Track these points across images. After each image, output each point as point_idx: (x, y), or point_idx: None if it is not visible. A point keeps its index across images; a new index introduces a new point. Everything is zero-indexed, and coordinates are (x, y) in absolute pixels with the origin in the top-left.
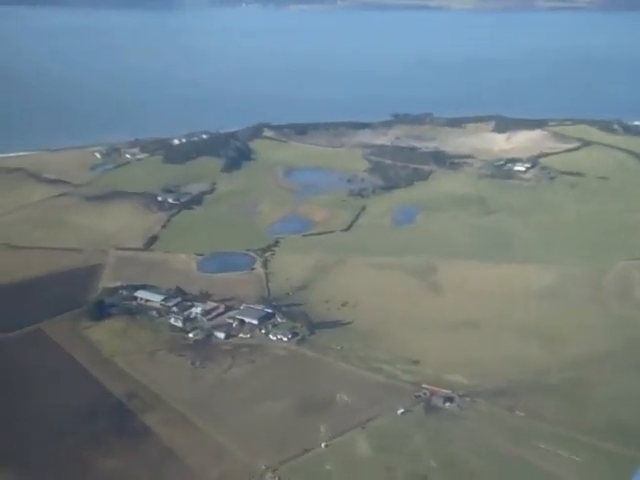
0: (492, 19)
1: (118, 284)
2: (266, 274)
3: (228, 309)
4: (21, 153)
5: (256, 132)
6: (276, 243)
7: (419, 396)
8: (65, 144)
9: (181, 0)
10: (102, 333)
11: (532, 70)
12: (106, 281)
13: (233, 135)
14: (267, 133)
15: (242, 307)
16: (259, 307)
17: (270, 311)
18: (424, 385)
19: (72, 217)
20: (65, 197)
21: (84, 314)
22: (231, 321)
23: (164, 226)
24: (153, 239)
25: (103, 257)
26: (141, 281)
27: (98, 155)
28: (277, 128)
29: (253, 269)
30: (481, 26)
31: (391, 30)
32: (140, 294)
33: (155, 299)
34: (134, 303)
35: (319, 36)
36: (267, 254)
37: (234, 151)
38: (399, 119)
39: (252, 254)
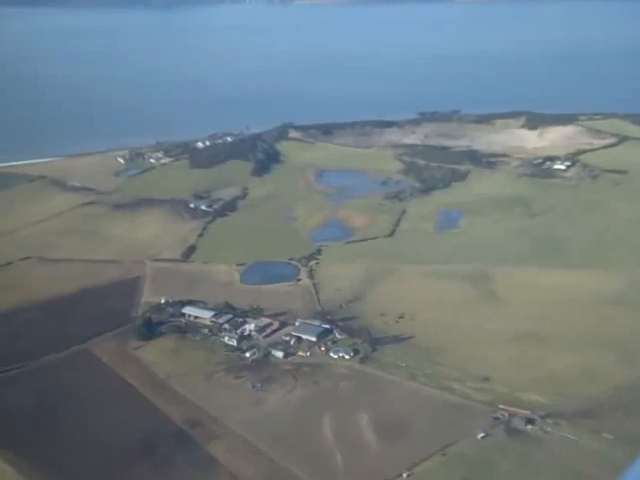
0: (502, 10)
1: (163, 300)
2: (314, 285)
3: (282, 325)
4: (41, 160)
5: (282, 133)
6: (319, 251)
7: (497, 418)
8: (85, 149)
9: None
10: (153, 353)
11: (553, 63)
12: (148, 295)
13: (259, 137)
14: (293, 134)
15: (297, 323)
16: (315, 322)
17: (327, 327)
18: (500, 405)
19: (103, 227)
20: (93, 205)
21: (131, 332)
22: (288, 338)
23: (201, 235)
24: (191, 249)
25: (141, 269)
26: (183, 294)
27: (121, 160)
28: (302, 128)
29: (299, 280)
30: (492, 18)
31: (401, 24)
32: (188, 310)
33: (205, 316)
34: (183, 320)
35: (329, 32)
36: (311, 263)
37: (262, 154)
38: (426, 117)
39: (295, 263)
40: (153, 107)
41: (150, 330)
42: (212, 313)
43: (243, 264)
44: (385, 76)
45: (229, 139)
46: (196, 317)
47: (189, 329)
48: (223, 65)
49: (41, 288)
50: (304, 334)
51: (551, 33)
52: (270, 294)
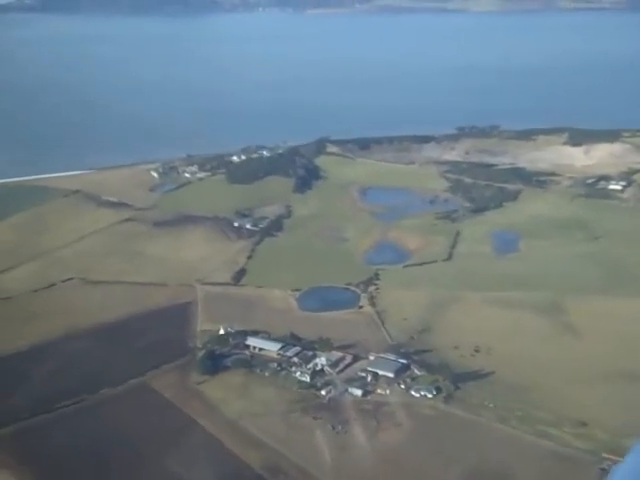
0: (517, 21)
1: (222, 329)
2: (377, 313)
3: (355, 359)
4: (70, 173)
5: (319, 148)
6: (376, 275)
7: (604, 469)
8: (113, 162)
9: (198, 6)
10: (220, 389)
11: (582, 75)
12: (203, 323)
13: (297, 152)
14: (331, 149)
15: (371, 357)
16: (390, 357)
17: (404, 361)
18: (605, 455)
19: (145, 246)
20: (132, 222)
21: (193, 365)
22: (364, 374)
23: (250, 257)
24: (241, 272)
25: (191, 293)
26: (241, 323)
27: (155, 174)
28: (339, 143)
29: (361, 307)
30: (509, 29)
31: (417, 34)
32: (252, 342)
33: (271, 348)
34: (247, 353)
35: (347, 41)
36: (371, 289)
37: (302, 170)
38: (464, 132)
39: (354, 289)
40: (179, 118)
41: (214, 363)
42: (279, 345)
43: (299, 289)
44: (412, 88)
45: (265, 153)
46: (261, 349)
47: (256, 363)
48: (244, 75)
49: (88, 313)
50: (380, 370)
51: (572, 44)
52: (332, 323)
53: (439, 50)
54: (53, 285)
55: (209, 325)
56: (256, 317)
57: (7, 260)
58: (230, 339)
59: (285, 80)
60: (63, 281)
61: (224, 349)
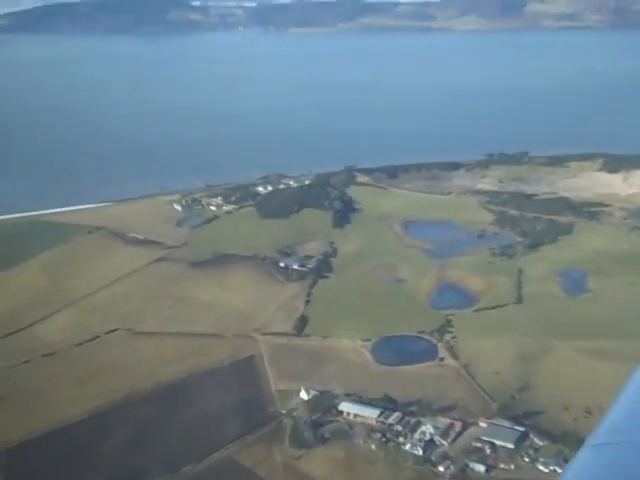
0: (507, 40)
1: (303, 391)
2: (464, 367)
3: (464, 426)
4: (87, 206)
5: (349, 178)
6: (448, 322)
7: None
8: (129, 193)
9: (176, 25)
10: (323, 467)
11: (598, 97)
12: (277, 382)
13: (327, 182)
14: (361, 178)
15: (482, 424)
16: (504, 423)
17: (521, 429)
18: None
19: (187, 290)
20: (166, 263)
21: (282, 436)
22: (480, 445)
23: (308, 302)
24: (302, 319)
25: (252, 345)
26: (316, 380)
27: (178, 207)
28: (367, 172)
29: (442, 359)
30: (500, 48)
31: (406, 54)
32: (346, 407)
33: (369, 415)
34: (340, 420)
35: (339, 62)
36: (446, 337)
37: (338, 202)
38: (493, 159)
39: (428, 337)
40: (188, 145)
41: (310, 434)
42: (377, 411)
43: (368, 339)
44: (423, 112)
45: (292, 184)
46: (356, 415)
47: (356, 433)
48: (242, 98)
49: (144, 372)
50: (497, 439)
51: (575, 64)
52: (416, 379)
53: (435, 71)
54: (97, 337)
55: (283, 384)
56: (331, 373)
57: (41, 308)
58: (318, 404)
59: (286, 104)
60: (107, 333)
61: (314, 416)
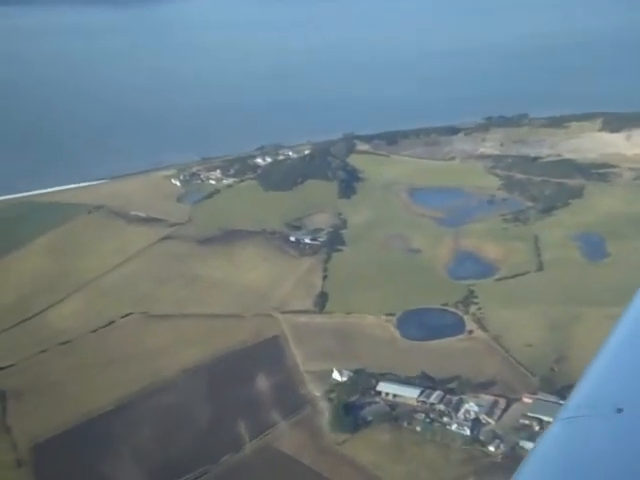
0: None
1: (335, 372)
2: (495, 339)
3: (509, 403)
4: (83, 184)
5: (349, 146)
6: (471, 293)
7: None
8: (124, 169)
9: None
10: (369, 451)
11: (592, 55)
12: (305, 363)
13: (327, 151)
14: (361, 147)
15: (526, 399)
16: (550, 398)
17: None
18: None
19: (198, 269)
20: (172, 241)
21: (321, 420)
22: (527, 422)
23: (325, 277)
24: (322, 296)
25: (273, 325)
26: (346, 359)
27: (176, 182)
28: (366, 139)
29: (471, 332)
30: (483, 8)
31: (388, 16)
32: (385, 388)
33: (409, 394)
34: (380, 401)
35: (321, 27)
36: (472, 309)
37: (342, 172)
38: (492, 122)
39: (453, 309)
40: (177, 116)
41: (352, 418)
42: (418, 391)
43: (392, 314)
44: (406, 75)
45: (292, 154)
46: (395, 395)
47: (399, 414)
48: (232, 65)
49: (166, 357)
50: (544, 415)
51: (564, 21)
52: (448, 354)
53: (423, 33)
54: (112, 322)
55: (312, 365)
56: (360, 351)
57: (49, 293)
58: (354, 385)
59: (279, 70)
60: (122, 317)
61: (353, 398)
